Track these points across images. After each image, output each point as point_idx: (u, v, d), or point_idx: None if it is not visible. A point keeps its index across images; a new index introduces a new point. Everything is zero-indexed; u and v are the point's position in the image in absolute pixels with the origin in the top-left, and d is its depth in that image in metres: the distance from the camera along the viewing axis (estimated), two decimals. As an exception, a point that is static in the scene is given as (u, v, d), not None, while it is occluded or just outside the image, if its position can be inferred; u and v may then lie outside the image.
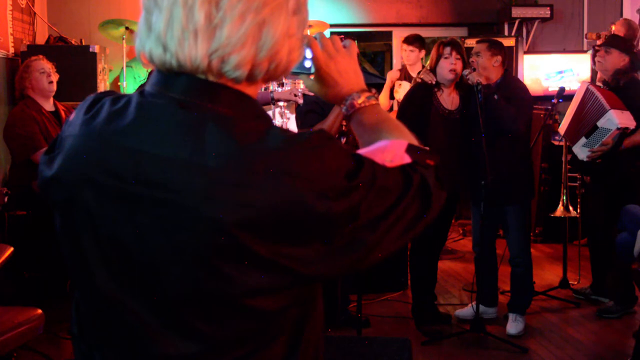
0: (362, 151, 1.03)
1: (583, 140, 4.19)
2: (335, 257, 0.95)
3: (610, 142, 4.04)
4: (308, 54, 1.19)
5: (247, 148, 0.91)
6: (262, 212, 0.89)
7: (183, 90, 0.97)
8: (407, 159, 1.03)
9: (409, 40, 5.57)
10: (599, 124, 4.08)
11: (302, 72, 1.20)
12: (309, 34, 1.22)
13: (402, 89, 5.31)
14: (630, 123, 4.02)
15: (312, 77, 1.22)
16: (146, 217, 0.94)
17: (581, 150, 4.22)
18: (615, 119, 3.99)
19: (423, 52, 5.61)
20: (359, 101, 1.21)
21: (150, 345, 0.98)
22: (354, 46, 1.25)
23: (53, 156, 1.04)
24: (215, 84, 0.98)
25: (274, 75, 1.02)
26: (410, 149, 1.05)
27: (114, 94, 1.05)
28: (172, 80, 0.98)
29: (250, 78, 0.99)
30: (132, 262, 0.97)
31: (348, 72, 1.22)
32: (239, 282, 0.92)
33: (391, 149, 1.04)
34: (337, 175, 0.92)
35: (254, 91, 1.03)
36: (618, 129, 3.99)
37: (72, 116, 1.07)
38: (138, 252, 0.96)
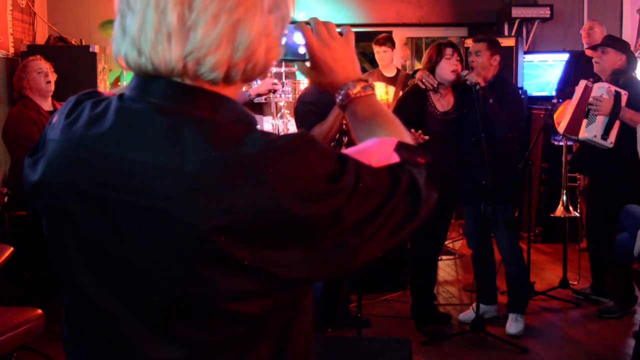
0: (348, 151, 1.01)
1: (585, 122, 4.17)
2: (320, 261, 0.93)
3: (607, 97, 4.04)
4: (301, 39, 1.15)
5: (225, 153, 0.89)
6: (242, 217, 0.87)
7: (160, 94, 0.96)
8: (395, 159, 1.00)
9: (380, 42, 5.57)
10: (592, 98, 4.12)
11: (297, 58, 1.17)
12: (302, 19, 1.18)
13: (377, 91, 5.32)
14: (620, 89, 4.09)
15: (307, 63, 1.19)
16: (127, 223, 0.93)
17: (587, 130, 4.16)
18: (604, 84, 4.09)
19: (394, 51, 5.62)
20: (355, 91, 1.17)
21: (137, 349, 0.97)
22: (351, 34, 1.21)
23: (37, 159, 1.03)
24: (192, 87, 0.96)
25: (251, 75, 1.00)
26: (400, 147, 1.02)
27: (95, 96, 1.04)
28: (149, 84, 0.97)
29: (228, 79, 0.97)
30: (116, 268, 0.96)
31: (344, 60, 1.19)
32: (222, 287, 0.91)
33: (378, 147, 1.00)
34: (319, 178, 0.90)
35: (234, 92, 1.01)
36: (609, 88, 4.06)
37: (55, 118, 1.05)
38: (121, 258, 0.95)
